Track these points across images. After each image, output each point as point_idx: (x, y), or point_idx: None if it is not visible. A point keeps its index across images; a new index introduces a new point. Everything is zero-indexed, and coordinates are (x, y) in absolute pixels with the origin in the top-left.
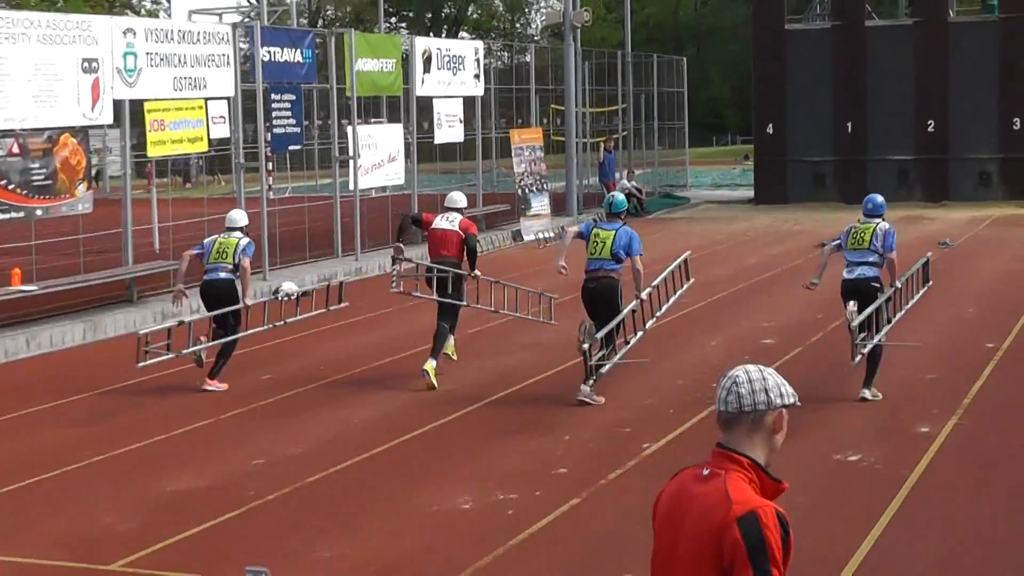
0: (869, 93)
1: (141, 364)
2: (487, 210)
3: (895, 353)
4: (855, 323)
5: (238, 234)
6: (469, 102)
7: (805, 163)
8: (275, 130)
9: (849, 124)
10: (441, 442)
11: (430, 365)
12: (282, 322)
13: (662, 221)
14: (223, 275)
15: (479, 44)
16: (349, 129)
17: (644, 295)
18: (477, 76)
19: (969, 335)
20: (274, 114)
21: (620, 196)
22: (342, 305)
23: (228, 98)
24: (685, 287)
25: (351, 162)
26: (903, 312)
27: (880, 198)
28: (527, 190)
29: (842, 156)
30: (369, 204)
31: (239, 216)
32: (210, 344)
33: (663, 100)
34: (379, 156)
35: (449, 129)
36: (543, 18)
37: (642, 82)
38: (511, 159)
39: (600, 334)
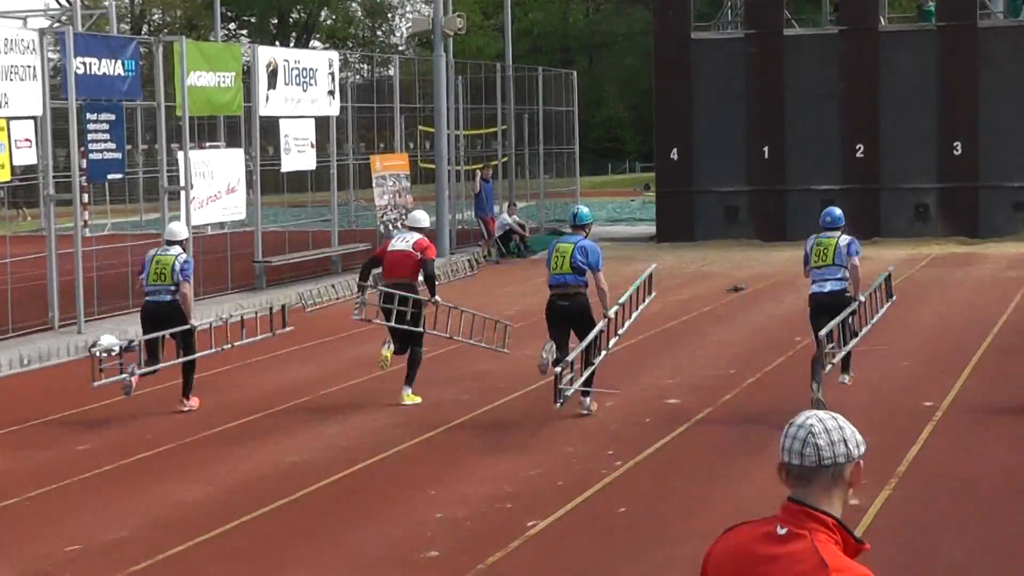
0: (789, 113)
1: (97, 383)
2: (343, 250)
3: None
4: (822, 332)
5: (176, 249)
6: (322, 123)
7: (715, 194)
8: (92, 156)
9: (766, 149)
10: (299, 520)
11: (406, 393)
12: (229, 345)
13: None
14: (167, 298)
15: (334, 55)
16: (180, 154)
17: (612, 313)
18: (332, 92)
19: (904, 393)
20: (90, 136)
21: (585, 209)
22: (288, 329)
23: (35, 117)
24: (647, 302)
25: (182, 193)
26: (868, 327)
27: (838, 210)
28: (391, 226)
29: (758, 186)
30: (206, 243)
31: (179, 229)
32: (147, 371)
33: (550, 120)
34: (216, 187)
35: (299, 155)
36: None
37: (526, 100)
38: (372, 190)
39: (571, 356)
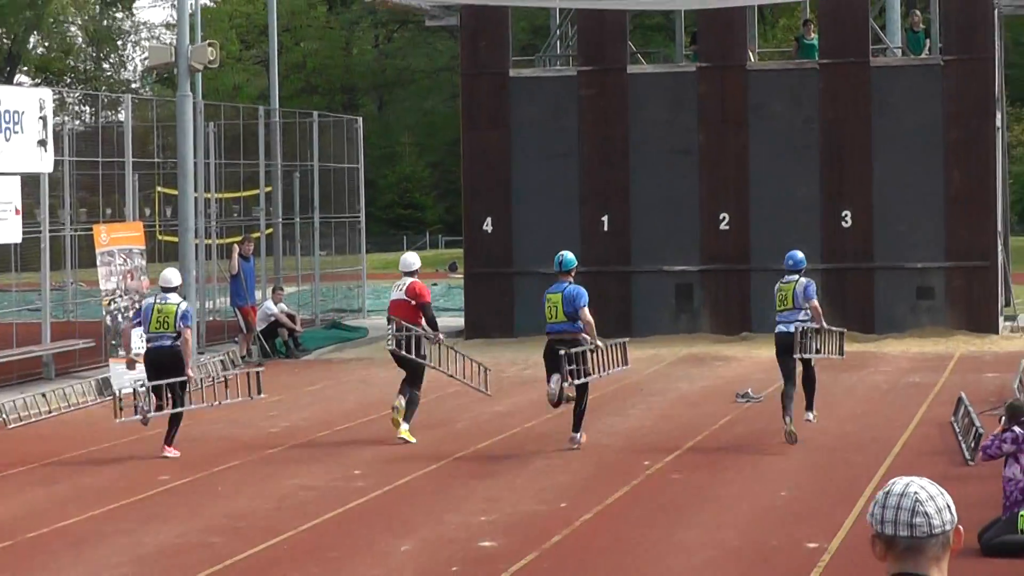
0: (635, 172)
1: (119, 420)
2: (58, 348)
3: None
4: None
5: (175, 297)
6: (31, 182)
7: (540, 277)
8: None
9: (605, 219)
10: None
11: (403, 429)
12: (218, 403)
13: (326, 364)
14: (167, 343)
15: (46, 93)
16: None
17: (599, 343)
18: (43, 143)
19: (783, 530)
20: None
21: (570, 255)
22: (260, 397)
23: None
24: (620, 369)
25: None
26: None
27: (800, 254)
28: (119, 316)
29: (595, 266)
30: None
31: (173, 276)
32: (160, 414)
33: (329, 181)
34: None
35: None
36: (145, 56)
37: (297, 154)
38: (95, 270)
39: (578, 381)
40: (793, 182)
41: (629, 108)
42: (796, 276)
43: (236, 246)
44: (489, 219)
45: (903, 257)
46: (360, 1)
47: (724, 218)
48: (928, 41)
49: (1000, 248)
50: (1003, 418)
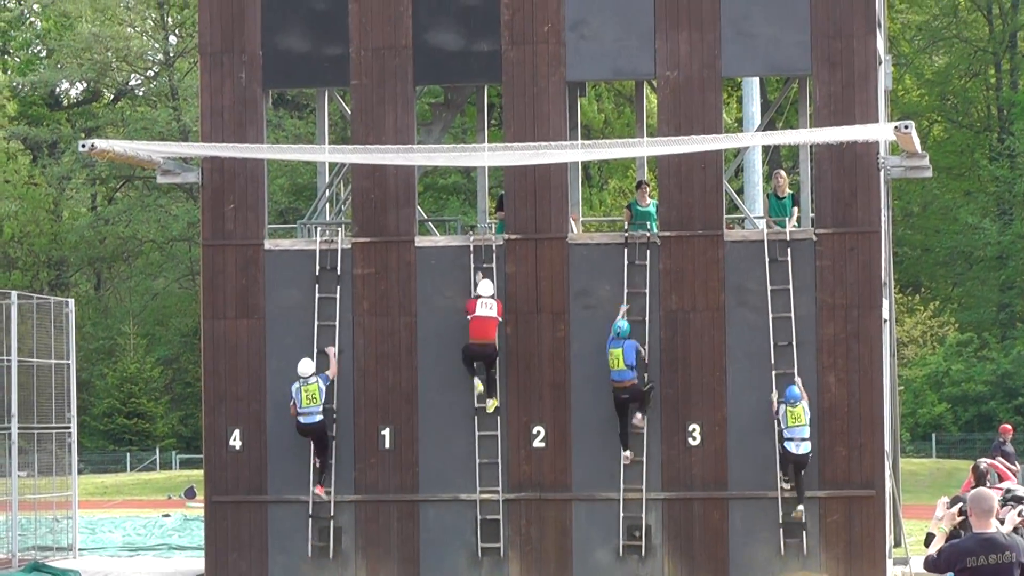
0: (424, 375)
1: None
2: None
3: None
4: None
5: (313, 379)
6: None
7: (300, 506)
8: None
9: (387, 432)
10: None
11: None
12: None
13: None
14: (317, 418)
15: None
16: None
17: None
18: None
19: None
20: None
21: (624, 323)
22: None
23: None
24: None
25: None
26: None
27: (796, 389)
28: None
29: (371, 494)
30: None
31: (307, 367)
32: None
33: (31, 380)
34: None
35: None
36: None
37: None
38: None
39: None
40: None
41: (417, 291)
42: (800, 403)
43: None
44: (237, 432)
45: (765, 484)
46: (73, 151)
47: (538, 432)
48: (797, 210)
49: (888, 473)
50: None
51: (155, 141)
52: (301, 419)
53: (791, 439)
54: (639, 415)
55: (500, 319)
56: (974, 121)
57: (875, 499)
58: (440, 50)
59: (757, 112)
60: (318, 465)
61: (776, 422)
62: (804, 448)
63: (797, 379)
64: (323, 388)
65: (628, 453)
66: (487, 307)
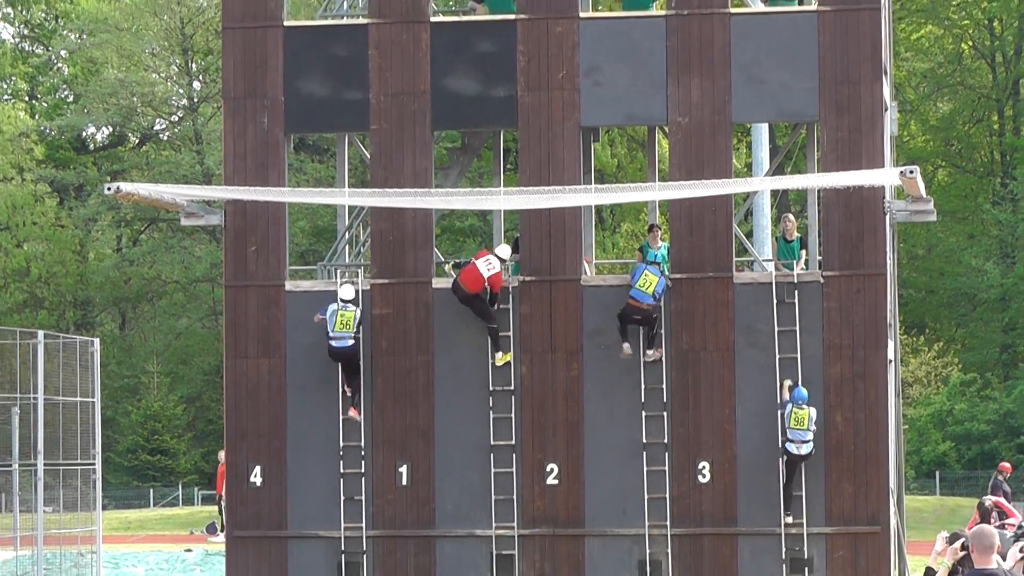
0: (440, 413)
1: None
2: None
3: None
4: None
5: (351, 307)
6: None
7: (322, 541)
8: None
9: (404, 469)
10: None
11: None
12: None
13: None
14: (349, 343)
15: None
16: None
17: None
18: None
19: None
20: None
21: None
22: None
23: None
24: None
25: None
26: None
27: (805, 392)
28: None
29: (389, 529)
30: None
31: (350, 291)
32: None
33: (57, 418)
34: None
35: None
36: None
37: (17, 383)
38: None
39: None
40: (637, 426)
41: (434, 331)
42: (808, 407)
43: None
44: (258, 469)
45: (773, 520)
46: (99, 194)
47: (552, 470)
48: (805, 253)
49: (893, 510)
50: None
51: (179, 184)
52: (333, 343)
53: (792, 440)
54: (651, 351)
55: (487, 287)
56: (977, 166)
57: (880, 535)
58: (457, 95)
59: (766, 157)
60: (348, 392)
61: (780, 418)
62: (805, 449)
63: (802, 388)
64: (358, 318)
65: (627, 346)
66: (488, 266)
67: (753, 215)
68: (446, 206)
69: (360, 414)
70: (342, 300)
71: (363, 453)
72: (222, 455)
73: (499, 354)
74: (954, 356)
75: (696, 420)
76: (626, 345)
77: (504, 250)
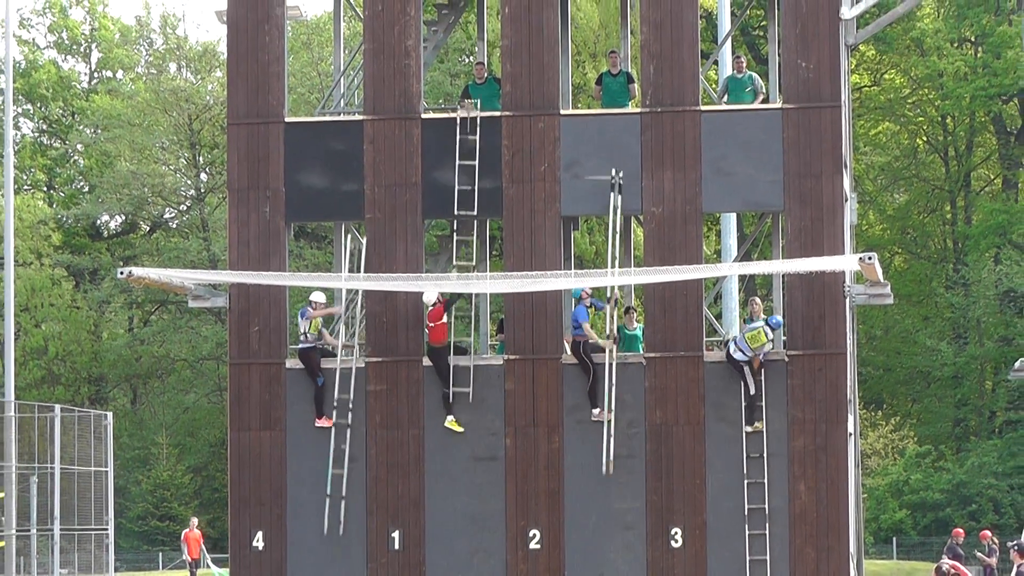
0: (431, 482)
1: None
2: None
3: None
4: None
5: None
6: None
7: None
8: None
9: (396, 535)
10: None
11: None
12: None
13: None
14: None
15: None
16: None
17: None
18: None
19: None
20: None
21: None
22: None
23: None
24: None
25: None
26: None
27: (780, 319)
28: None
29: None
30: None
31: (320, 297)
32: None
33: (73, 486)
34: None
35: None
36: None
37: (35, 454)
38: None
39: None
40: (615, 494)
41: (424, 406)
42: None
43: None
44: (260, 534)
45: None
46: (112, 278)
47: (534, 535)
48: (772, 333)
49: (853, 574)
50: None
51: (187, 269)
52: (302, 346)
53: (739, 349)
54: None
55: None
56: (932, 253)
57: None
58: (446, 187)
59: (734, 244)
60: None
61: (740, 324)
62: (742, 358)
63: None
64: (322, 328)
65: (596, 411)
66: (429, 316)
67: (722, 298)
68: (436, 290)
69: (332, 422)
70: (313, 302)
71: (355, 519)
72: (194, 520)
73: (450, 417)
74: (910, 430)
75: (669, 489)
76: (596, 410)
77: (429, 295)
